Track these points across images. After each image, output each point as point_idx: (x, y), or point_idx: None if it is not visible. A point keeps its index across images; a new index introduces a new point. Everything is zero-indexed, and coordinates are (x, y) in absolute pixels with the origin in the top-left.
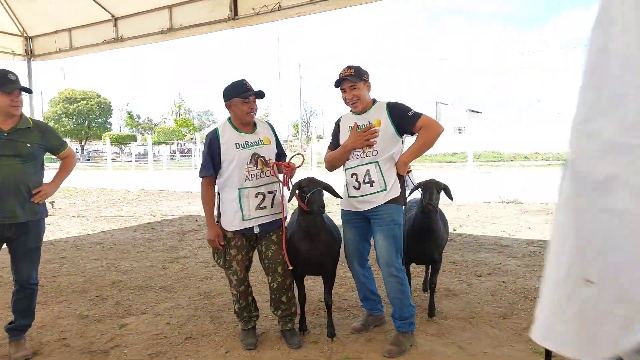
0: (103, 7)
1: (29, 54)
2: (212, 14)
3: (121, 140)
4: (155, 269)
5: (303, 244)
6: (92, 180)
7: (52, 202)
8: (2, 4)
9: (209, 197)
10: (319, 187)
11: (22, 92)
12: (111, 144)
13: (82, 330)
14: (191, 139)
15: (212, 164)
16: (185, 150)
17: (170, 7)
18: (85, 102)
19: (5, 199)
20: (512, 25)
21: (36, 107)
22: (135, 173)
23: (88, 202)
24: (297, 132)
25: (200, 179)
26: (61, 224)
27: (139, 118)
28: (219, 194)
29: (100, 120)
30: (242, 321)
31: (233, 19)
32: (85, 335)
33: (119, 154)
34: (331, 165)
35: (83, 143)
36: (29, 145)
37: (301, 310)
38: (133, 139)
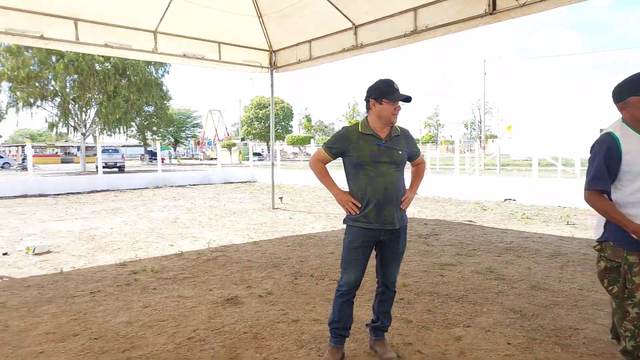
0: (346, 17)
1: (272, 66)
2: (464, 11)
3: (301, 142)
4: (433, 275)
5: None
6: (285, 177)
7: (280, 198)
8: (261, 25)
9: (613, 211)
10: None
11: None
12: (291, 145)
13: (420, 337)
14: None
15: (608, 176)
16: None
17: (415, 9)
18: None
19: (387, 205)
20: None
21: (235, 113)
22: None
23: (305, 198)
24: (470, 131)
25: (586, 191)
26: (301, 218)
27: (309, 121)
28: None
29: (283, 123)
30: None
31: (491, 14)
32: (427, 343)
33: (297, 153)
34: None
35: (269, 144)
36: (400, 152)
37: None
38: (308, 140)
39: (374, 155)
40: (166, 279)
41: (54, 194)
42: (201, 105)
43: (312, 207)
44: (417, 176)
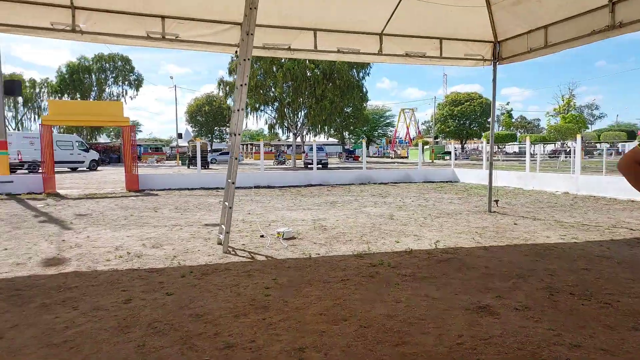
0: None
1: (496, 58)
2: None
3: (500, 140)
4: None
5: None
6: (480, 176)
7: (496, 201)
8: (488, 14)
9: None
10: None
11: None
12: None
13: None
14: (581, 137)
15: None
16: (558, 152)
17: None
18: (468, 103)
19: None
20: None
21: (428, 110)
22: (542, 174)
23: (523, 202)
24: None
25: None
26: (527, 225)
27: (510, 117)
28: None
29: (480, 120)
30: None
31: None
32: None
33: (495, 152)
34: None
35: (463, 142)
36: None
37: None
38: (512, 138)
39: None
40: (405, 275)
41: (279, 186)
42: (394, 105)
43: (535, 212)
44: None
